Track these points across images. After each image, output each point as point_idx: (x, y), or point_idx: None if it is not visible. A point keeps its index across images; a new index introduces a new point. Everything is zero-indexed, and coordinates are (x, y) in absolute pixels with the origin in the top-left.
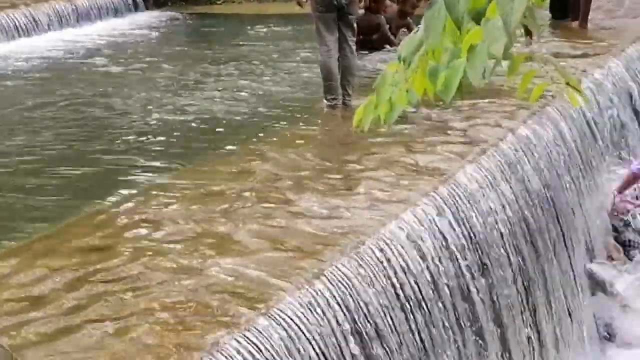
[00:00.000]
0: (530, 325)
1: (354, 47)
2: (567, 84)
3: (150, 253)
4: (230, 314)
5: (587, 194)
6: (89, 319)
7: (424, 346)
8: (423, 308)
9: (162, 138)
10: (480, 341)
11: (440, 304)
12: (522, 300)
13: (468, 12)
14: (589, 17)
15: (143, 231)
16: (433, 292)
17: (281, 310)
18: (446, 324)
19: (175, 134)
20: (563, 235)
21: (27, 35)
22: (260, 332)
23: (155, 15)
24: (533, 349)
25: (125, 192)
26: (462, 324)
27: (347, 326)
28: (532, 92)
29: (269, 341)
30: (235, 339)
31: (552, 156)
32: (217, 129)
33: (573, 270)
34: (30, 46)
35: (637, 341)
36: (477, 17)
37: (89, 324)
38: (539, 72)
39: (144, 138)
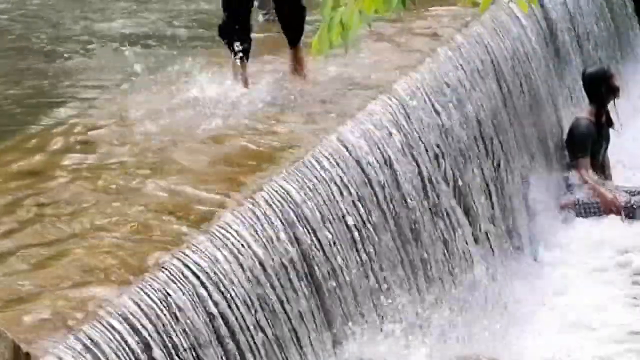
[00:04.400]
0: None
1: None
2: None
3: (86, 175)
4: (170, 233)
5: None
6: (27, 244)
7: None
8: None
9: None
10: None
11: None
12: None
13: None
14: None
15: (78, 154)
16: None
17: (222, 227)
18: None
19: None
20: None
21: None
22: (202, 251)
23: None
24: None
25: (58, 114)
26: (403, 235)
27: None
28: (482, 2)
29: (211, 260)
30: (176, 258)
31: None
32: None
33: None
34: None
35: None
36: None
37: (27, 248)
38: None
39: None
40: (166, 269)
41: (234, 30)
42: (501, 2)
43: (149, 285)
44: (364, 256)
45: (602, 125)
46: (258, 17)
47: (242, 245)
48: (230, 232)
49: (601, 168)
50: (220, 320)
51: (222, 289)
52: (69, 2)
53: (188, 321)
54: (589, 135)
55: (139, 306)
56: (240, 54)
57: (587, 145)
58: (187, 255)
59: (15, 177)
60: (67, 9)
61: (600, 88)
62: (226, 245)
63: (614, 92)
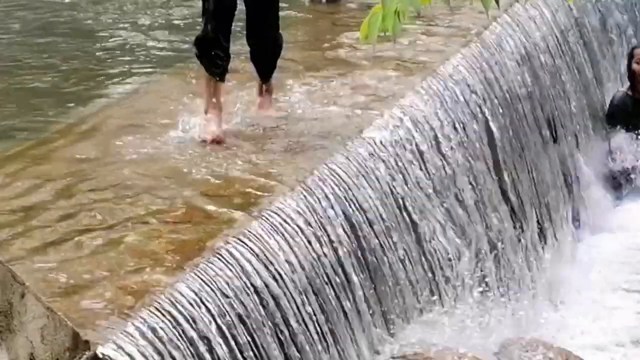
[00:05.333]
0: None
1: None
2: None
3: (138, 160)
4: (224, 218)
5: None
6: (81, 229)
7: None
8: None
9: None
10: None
11: None
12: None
13: None
14: None
15: (129, 138)
16: None
17: (275, 213)
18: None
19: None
20: None
21: None
22: (256, 236)
23: None
24: None
25: (112, 97)
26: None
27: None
28: None
29: (265, 245)
30: (230, 244)
31: None
32: None
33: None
34: None
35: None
36: None
37: (81, 234)
38: None
39: (130, 41)
40: (220, 255)
41: (217, 42)
42: None
43: (204, 271)
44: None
45: (637, 99)
46: None
47: (295, 230)
48: (282, 217)
49: None
50: (274, 306)
51: (276, 274)
52: None
53: (243, 307)
54: (620, 107)
55: (195, 292)
56: (219, 73)
57: (617, 116)
58: (240, 241)
59: (68, 162)
60: None
61: (630, 65)
62: (278, 230)
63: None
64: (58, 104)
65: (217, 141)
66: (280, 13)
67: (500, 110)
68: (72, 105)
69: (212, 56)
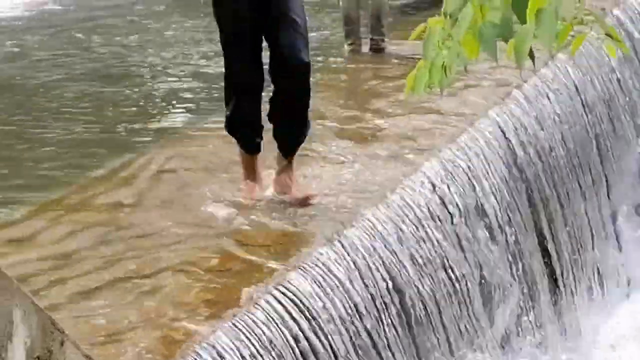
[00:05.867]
0: None
1: None
2: (607, 34)
3: (177, 208)
4: (262, 268)
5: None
6: (120, 277)
7: None
8: None
9: (172, 94)
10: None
11: None
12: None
13: None
14: None
15: (167, 186)
16: None
17: (313, 263)
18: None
19: (202, 84)
20: None
21: None
22: (294, 286)
23: None
24: None
25: (147, 145)
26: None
27: None
28: (573, 43)
29: (303, 295)
30: (269, 293)
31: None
32: None
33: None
34: None
35: None
36: None
37: (120, 282)
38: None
39: (154, 91)
40: (259, 305)
41: (245, 120)
42: None
43: (243, 321)
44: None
45: None
46: (343, 47)
47: (334, 281)
48: (320, 267)
49: None
50: (312, 357)
51: (315, 326)
52: None
53: (281, 358)
54: None
55: (232, 342)
56: (253, 149)
57: None
58: (279, 291)
59: (107, 209)
60: None
61: None
62: (317, 280)
63: None
64: (98, 151)
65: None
66: (319, 64)
67: (540, 165)
68: (112, 151)
69: (244, 135)
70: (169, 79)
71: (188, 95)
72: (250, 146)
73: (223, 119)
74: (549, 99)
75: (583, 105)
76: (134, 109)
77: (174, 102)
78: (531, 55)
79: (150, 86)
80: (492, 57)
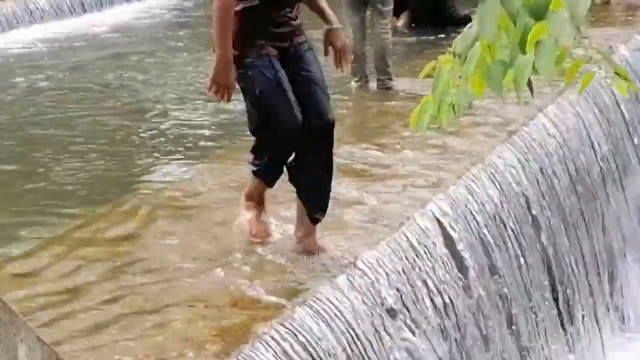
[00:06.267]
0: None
1: (386, 26)
2: (616, 72)
3: (182, 243)
4: (268, 303)
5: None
6: (126, 312)
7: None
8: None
9: (185, 131)
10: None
11: None
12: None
13: (523, 5)
14: None
15: (173, 221)
16: None
17: (319, 300)
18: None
19: (204, 123)
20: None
21: (47, 20)
22: (300, 322)
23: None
24: None
25: (154, 180)
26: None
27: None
28: (581, 82)
29: (309, 332)
30: (275, 329)
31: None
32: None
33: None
34: (51, 32)
35: None
36: (535, 11)
37: (126, 317)
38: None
39: (169, 127)
40: (265, 341)
41: (283, 164)
42: None
43: (249, 357)
44: None
45: None
46: (350, 84)
47: (340, 317)
48: (327, 304)
49: None
50: None
51: None
52: None
53: None
54: None
55: None
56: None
57: None
58: (285, 327)
59: (113, 244)
60: None
61: None
62: (323, 317)
63: None
64: (103, 186)
65: (260, 238)
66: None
67: (546, 202)
68: (118, 186)
69: (274, 178)
70: (180, 115)
71: (199, 131)
72: (273, 182)
73: (228, 158)
74: (554, 137)
75: (591, 142)
76: (146, 144)
77: (184, 138)
78: (530, 86)
79: (162, 122)
80: (497, 95)
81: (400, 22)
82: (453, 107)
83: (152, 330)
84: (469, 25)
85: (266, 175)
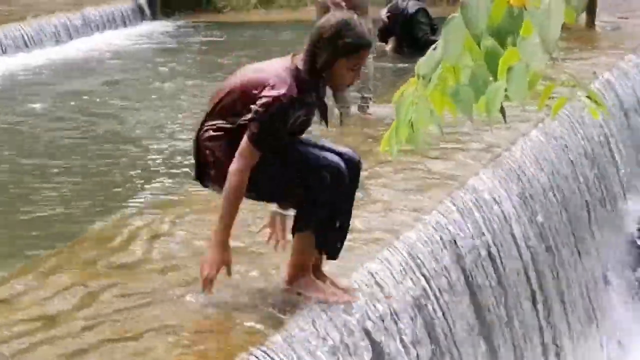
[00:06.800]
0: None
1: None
2: (588, 97)
3: (162, 268)
4: (250, 331)
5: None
6: (104, 338)
7: None
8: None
9: (171, 157)
10: None
11: None
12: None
13: (487, 28)
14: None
15: (151, 246)
16: None
17: (301, 328)
18: None
19: (186, 149)
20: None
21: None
22: (280, 350)
23: (163, 25)
24: None
25: (134, 206)
26: None
27: None
28: (553, 107)
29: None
30: (253, 355)
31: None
32: None
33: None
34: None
35: None
36: (497, 33)
37: (105, 344)
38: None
39: (153, 154)
40: None
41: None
42: None
43: None
44: None
45: None
46: (334, 111)
47: (316, 344)
48: (307, 330)
49: None
50: None
51: None
52: None
53: None
54: None
55: None
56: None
57: None
58: (266, 355)
59: (92, 269)
60: None
61: None
62: (303, 344)
63: None
64: (86, 210)
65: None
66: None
67: (531, 227)
68: (100, 211)
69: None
70: (176, 142)
71: (185, 158)
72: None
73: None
74: (538, 162)
75: (572, 165)
76: (134, 169)
77: (177, 164)
78: (502, 111)
79: (155, 148)
80: (468, 118)
81: (389, 46)
82: (412, 125)
83: (132, 358)
84: (432, 47)
85: (328, 239)
